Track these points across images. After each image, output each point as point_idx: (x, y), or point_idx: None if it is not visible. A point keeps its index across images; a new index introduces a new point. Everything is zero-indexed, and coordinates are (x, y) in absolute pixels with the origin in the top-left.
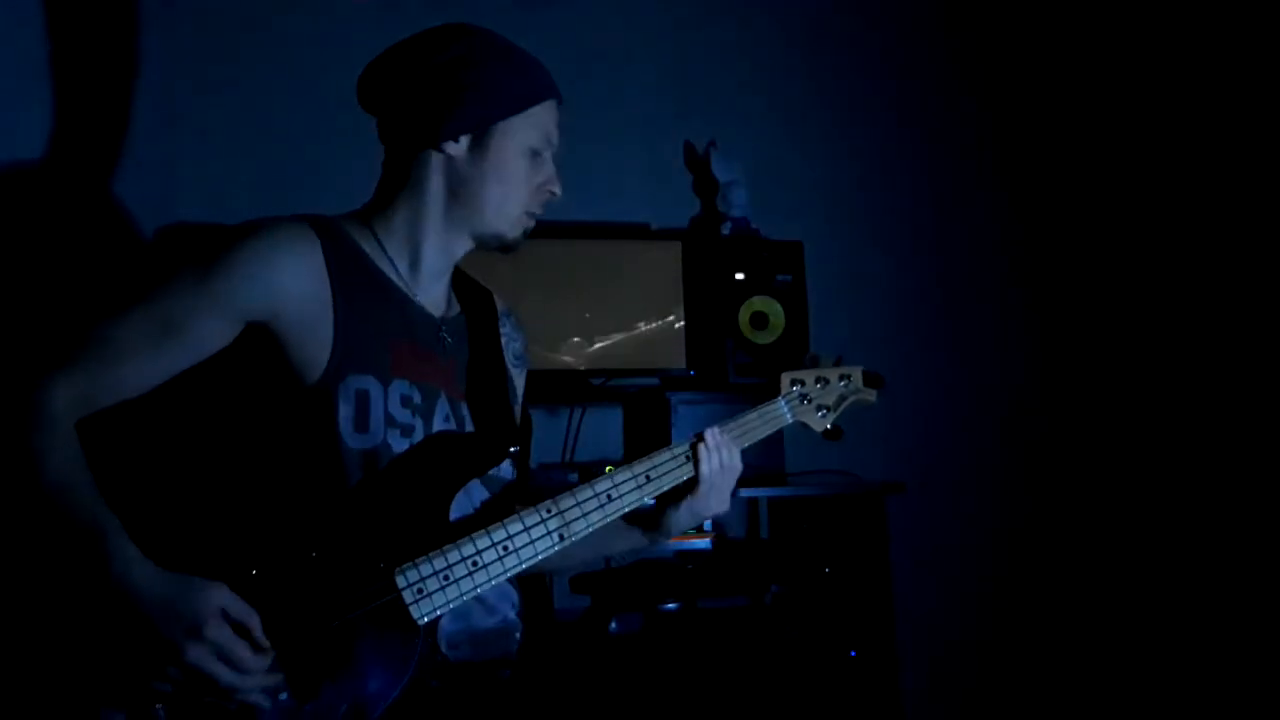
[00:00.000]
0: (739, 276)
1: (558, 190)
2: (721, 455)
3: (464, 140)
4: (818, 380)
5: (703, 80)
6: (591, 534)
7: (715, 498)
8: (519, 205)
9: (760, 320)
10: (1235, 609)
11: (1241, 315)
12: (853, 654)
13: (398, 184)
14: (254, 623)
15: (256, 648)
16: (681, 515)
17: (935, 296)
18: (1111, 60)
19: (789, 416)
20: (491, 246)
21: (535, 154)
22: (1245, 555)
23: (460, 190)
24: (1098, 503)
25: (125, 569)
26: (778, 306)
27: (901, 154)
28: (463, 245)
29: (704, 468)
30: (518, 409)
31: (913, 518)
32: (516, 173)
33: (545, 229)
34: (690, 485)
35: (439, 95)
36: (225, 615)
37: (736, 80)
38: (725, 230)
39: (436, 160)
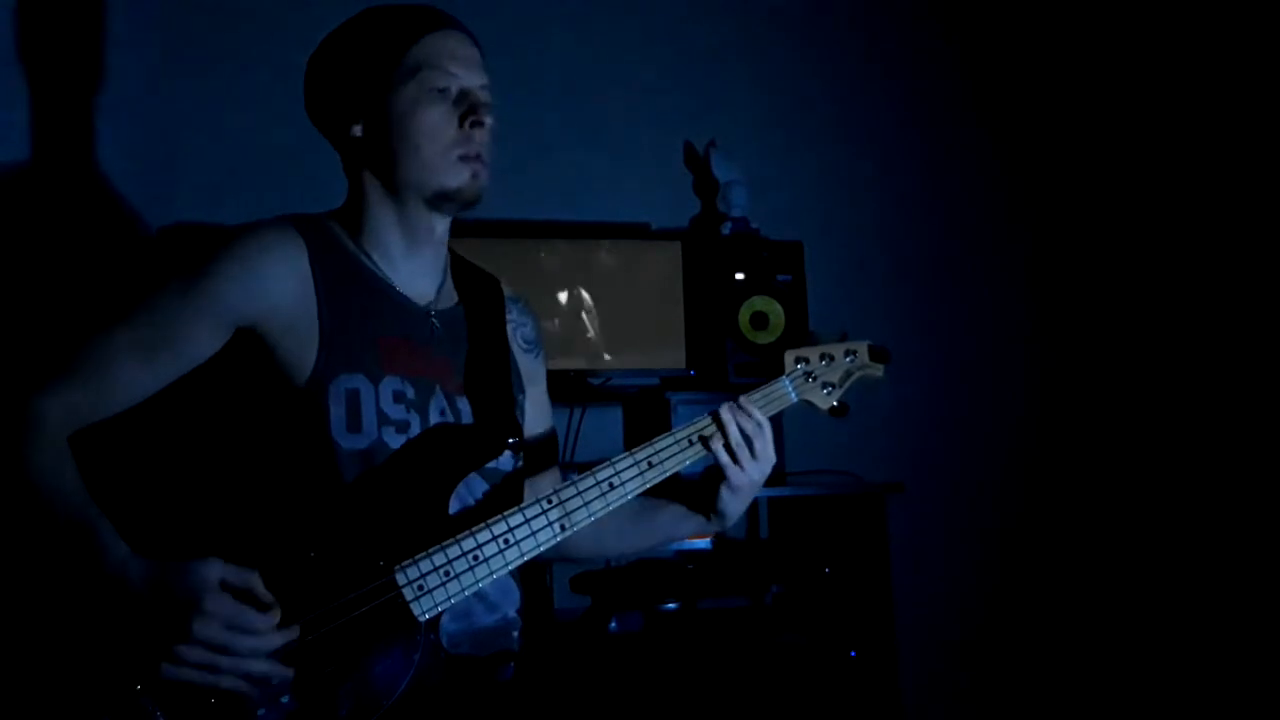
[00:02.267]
0: (739, 276)
1: (485, 119)
2: (730, 435)
3: (361, 118)
4: (822, 357)
5: (703, 80)
6: (650, 522)
7: (751, 468)
8: (440, 154)
9: (760, 320)
10: (1234, 608)
11: (1243, 315)
12: (853, 654)
13: (350, 184)
14: (254, 581)
15: (262, 606)
16: (725, 499)
17: (936, 296)
18: (1113, 58)
19: (793, 396)
20: (447, 204)
21: (438, 92)
22: (1245, 555)
23: (382, 169)
24: (1098, 503)
25: (117, 566)
26: (778, 306)
27: (902, 154)
28: (424, 218)
29: (720, 456)
30: (523, 399)
31: (913, 518)
32: (423, 124)
33: (546, 229)
34: (719, 470)
35: (327, 93)
36: (224, 585)
37: (736, 80)
38: (725, 230)
39: (353, 151)
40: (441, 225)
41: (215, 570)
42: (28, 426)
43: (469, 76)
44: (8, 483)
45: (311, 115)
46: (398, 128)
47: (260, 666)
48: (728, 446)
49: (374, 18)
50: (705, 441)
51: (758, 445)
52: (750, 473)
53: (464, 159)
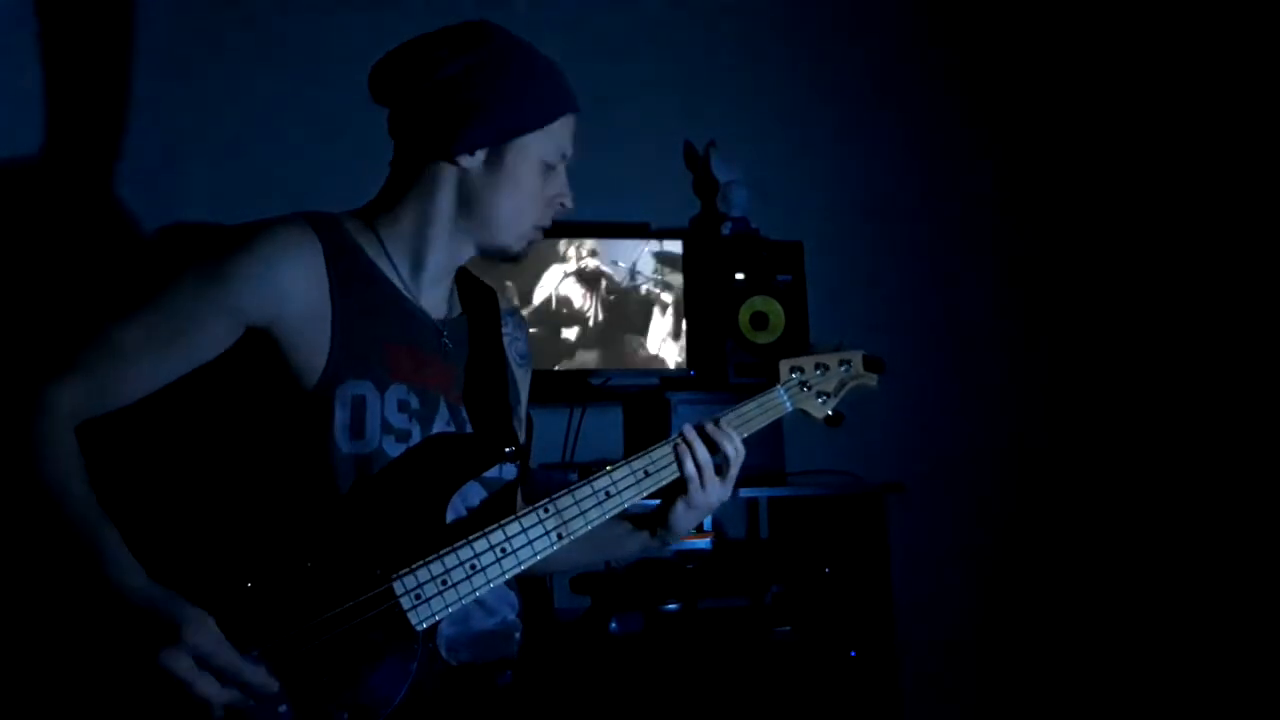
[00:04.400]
0: (739, 276)
1: (569, 203)
2: (697, 453)
3: (479, 154)
4: (817, 366)
5: (703, 80)
6: (598, 537)
7: (713, 490)
8: (530, 220)
9: (760, 320)
10: (1234, 608)
11: (1241, 316)
12: (853, 654)
13: (406, 188)
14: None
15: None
16: (679, 513)
17: (935, 296)
18: (1109, 60)
19: (789, 405)
20: (495, 257)
21: (549, 167)
22: (1244, 555)
23: (472, 203)
24: (1097, 502)
25: (118, 576)
26: (778, 306)
27: (901, 154)
28: (468, 253)
29: (686, 467)
30: (520, 409)
31: (913, 518)
32: (530, 187)
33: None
34: (681, 485)
35: (456, 105)
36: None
37: (736, 80)
38: (725, 230)
39: (449, 171)
40: (471, 255)
41: (203, 619)
42: (36, 415)
43: (569, 159)
44: (14, 473)
45: (398, 94)
46: (511, 178)
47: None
48: (696, 463)
49: (534, 67)
50: (676, 454)
51: (730, 469)
52: (710, 494)
53: (536, 228)
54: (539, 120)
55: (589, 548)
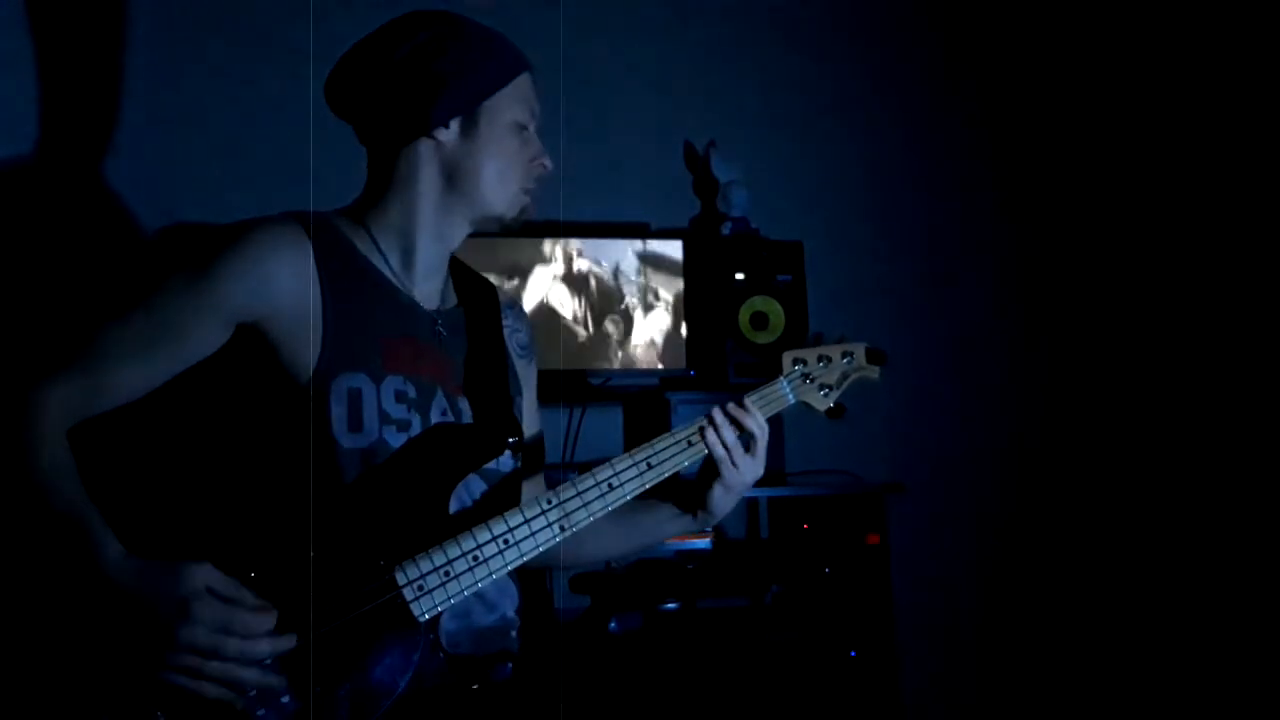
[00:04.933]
0: (739, 276)
1: (548, 163)
2: (724, 434)
3: (454, 124)
4: (820, 359)
5: (703, 80)
6: (640, 523)
7: (745, 467)
8: (515, 182)
9: (760, 320)
10: (1234, 608)
11: (1240, 314)
12: (853, 654)
13: (387, 178)
14: (243, 592)
15: (255, 610)
16: (718, 495)
17: (935, 296)
18: (1110, 58)
19: (791, 397)
20: (491, 229)
21: (522, 128)
22: (1245, 554)
23: (456, 175)
24: (1098, 502)
25: (110, 565)
26: (778, 306)
27: (901, 154)
28: (459, 231)
29: (716, 449)
30: (520, 401)
31: (913, 518)
32: (509, 148)
33: (545, 228)
34: (714, 467)
35: (419, 84)
36: (211, 592)
37: (737, 80)
38: (725, 230)
39: (427, 148)
40: (464, 236)
41: (204, 575)
42: (26, 418)
43: (539, 124)
44: (6, 476)
45: (359, 99)
46: (489, 142)
47: (248, 674)
48: (724, 444)
49: (480, 32)
50: (704, 437)
51: (758, 446)
52: (744, 472)
53: (522, 191)
54: (502, 78)
55: (631, 533)
